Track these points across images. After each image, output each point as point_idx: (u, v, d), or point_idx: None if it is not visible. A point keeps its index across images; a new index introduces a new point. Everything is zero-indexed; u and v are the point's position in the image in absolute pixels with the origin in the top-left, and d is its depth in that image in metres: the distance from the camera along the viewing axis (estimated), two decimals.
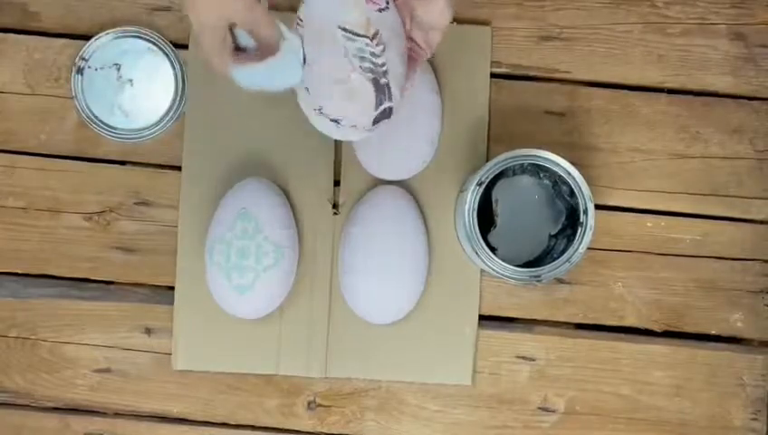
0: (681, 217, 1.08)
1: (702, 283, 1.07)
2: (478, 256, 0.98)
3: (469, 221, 0.97)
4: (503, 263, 0.97)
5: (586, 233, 0.97)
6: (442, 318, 1.05)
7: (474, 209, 0.97)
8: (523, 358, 1.07)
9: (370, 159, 1.05)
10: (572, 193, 0.98)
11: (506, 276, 0.98)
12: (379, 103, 0.83)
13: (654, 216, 1.08)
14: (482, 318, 1.06)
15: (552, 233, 1.04)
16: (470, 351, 1.06)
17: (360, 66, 0.81)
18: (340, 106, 0.83)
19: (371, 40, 0.81)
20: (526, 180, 1.05)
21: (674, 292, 1.07)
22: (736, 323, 1.08)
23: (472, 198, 0.97)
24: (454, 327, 1.06)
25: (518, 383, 1.06)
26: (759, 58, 1.09)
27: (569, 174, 0.97)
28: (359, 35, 0.81)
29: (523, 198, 1.05)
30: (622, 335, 1.08)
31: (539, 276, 0.97)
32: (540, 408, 1.06)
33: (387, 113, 0.84)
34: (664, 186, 1.08)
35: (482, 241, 0.97)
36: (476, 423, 1.06)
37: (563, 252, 0.97)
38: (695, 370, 1.06)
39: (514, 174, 1.04)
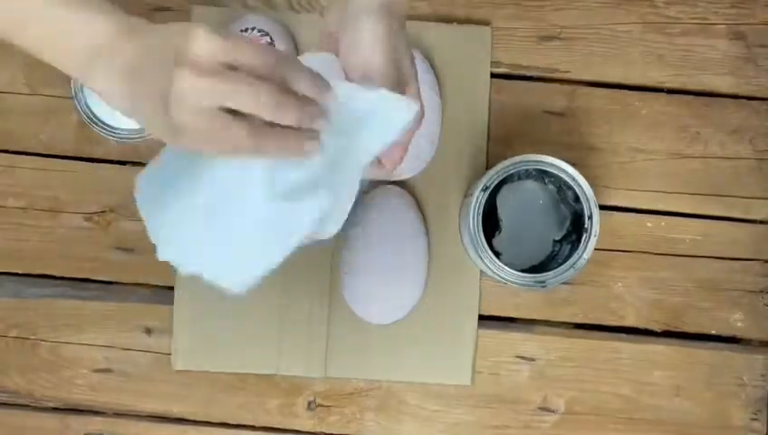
0: (681, 217, 1.08)
1: (702, 283, 1.07)
2: (483, 261, 0.98)
3: (474, 226, 0.97)
4: (507, 268, 0.97)
5: (591, 239, 0.97)
6: (442, 318, 1.06)
7: (478, 214, 0.97)
8: (523, 358, 1.07)
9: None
10: (577, 198, 0.98)
11: (511, 281, 0.98)
12: None
13: (654, 216, 1.08)
14: (482, 318, 1.06)
15: (557, 238, 1.04)
16: (470, 351, 1.06)
17: None
18: None
19: None
20: (531, 185, 1.05)
21: (674, 292, 1.07)
22: (736, 323, 1.08)
23: (476, 203, 0.97)
24: (454, 327, 1.06)
25: (518, 383, 1.06)
26: (759, 58, 1.09)
27: (574, 180, 0.97)
28: None
29: (528, 203, 1.05)
30: (622, 335, 1.08)
31: (543, 282, 0.97)
32: (540, 408, 1.06)
33: None
34: (664, 186, 1.08)
35: (486, 246, 0.97)
36: (476, 423, 1.06)
37: (568, 257, 0.97)
38: (695, 370, 1.07)
39: (519, 179, 1.04)
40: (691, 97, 1.09)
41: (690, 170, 1.08)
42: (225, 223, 0.69)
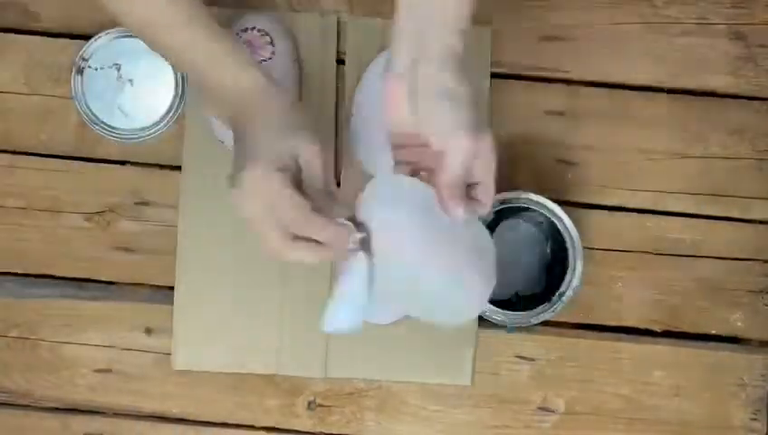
0: (681, 217, 1.08)
1: (702, 283, 1.07)
2: None
3: None
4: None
5: (558, 302, 0.98)
6: None
7: None
8: (523, 358, 1.06)
9: (371, 160, 1.04)
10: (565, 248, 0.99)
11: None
12: None
13: (654, 216, 1.08)
14: (482, 318, 1.06)
15: (543, 276, 1.05)
16: (470, 351, 1.06)
17: None
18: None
19: None
20: (524, 226, 1.05)
21: (674, 292, 1.07)
22: (736, 323, 1.08)
23: None
24: (454, 327, 1.06)
25: (518, 383, 1.06)
26: (759, 58, 1.09)
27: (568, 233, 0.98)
28: None
29: (520, 240, 1.05)
30: (622, 335, 1.08)
31: (504, 323, 0.99)
32: (540, 408, 1.06)
33: None
34: (664, 186, 1.08)
35: None
36: (476, 423, 1.06)
37: (545, 300, 0.99)
38: (695, 370, 1.06)
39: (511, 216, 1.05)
40: (691, 97, 1.09)
41: (690, 170, 1.08)
42: None
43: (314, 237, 0.77)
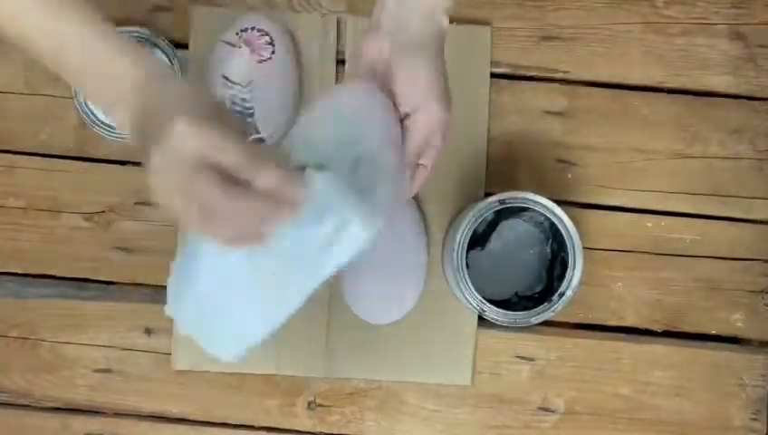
0: (681, 217, 1.08)
1: (702, 283, 1.07)
2: (462, 293, 0.98)
3: (457, 260, 0.97)
4: (489, 304, 0.98)
5: (559, 302, 0.97)
6: (442, 318, 1.05)
7: (462, 255, 0.97)
8: (523, 358, 1.07)
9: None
10: (564, 248, 0.99)
11: (476, 307, 0.99)
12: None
13: (654, 216, 1.08)
14: (482, 318, 1.06)
15: (544, 275, 1.05)
16: (470, 351, 1.06)
17: (232, 108, 1.00)
18: None
19: (244, 87, 0.99)
20: (524, 226, 1.05)
21: (674, 292, 1.07)
22: (736, 323, 1.08)
23: (459, 246, 0.97)
24: (454, 327, 1.06)
25: (518, 383, 1.06)
26: (759, 58, 1.09)
27: (571, 241, 0.98)
28: (234, 83, 0.99)
29: (521, 239, 1.05)
30: (622, 335, 1.08)
31: (504, 323, 0.99)
32: (540, 408, 1.06)
33: (256, 141, 1.02)
34: (664, 186, 1.08)
35: (471, 285, 0.98)
36: (476, 423, 1.06)
37: (558, 293, 0.98)
38: (695, 370, 1.06)
39: (513, 215, 1.04)
40: (691, 97, 1.09)
41: (690, 170, 1.08)
42: (223, 304, 0.73)
43: (267, 183, 0.65)
